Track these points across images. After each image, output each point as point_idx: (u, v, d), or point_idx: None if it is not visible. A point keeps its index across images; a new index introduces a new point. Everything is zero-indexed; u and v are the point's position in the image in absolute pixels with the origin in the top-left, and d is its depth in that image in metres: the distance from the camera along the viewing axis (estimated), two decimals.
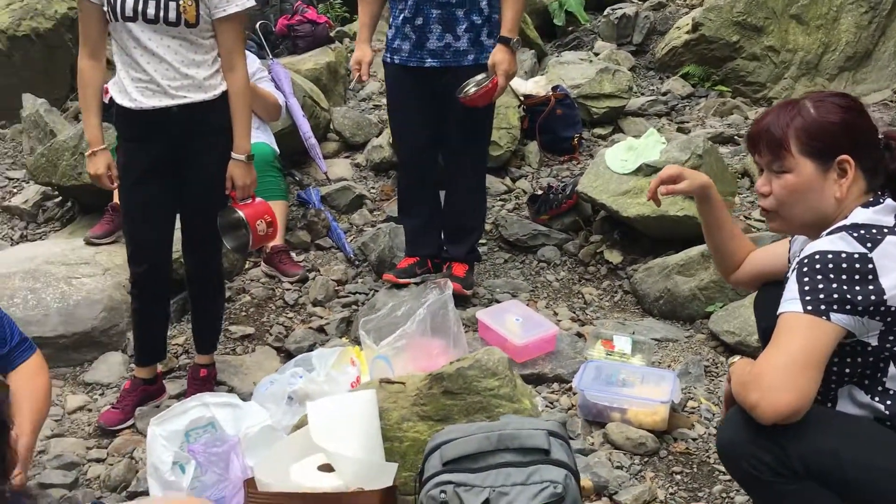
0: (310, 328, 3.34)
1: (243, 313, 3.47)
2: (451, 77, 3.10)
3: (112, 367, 3.18)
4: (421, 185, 3.41)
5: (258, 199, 2.76)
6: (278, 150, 4.07)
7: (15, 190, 4.75)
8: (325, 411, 2.04)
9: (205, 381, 2.90)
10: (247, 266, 3.81)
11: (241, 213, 2.65)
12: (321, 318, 3.43)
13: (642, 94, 5.43)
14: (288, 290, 3.62)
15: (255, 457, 2.15)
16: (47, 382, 2.14)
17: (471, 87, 3.09)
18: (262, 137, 4.01)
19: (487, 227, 3.98)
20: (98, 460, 2.63)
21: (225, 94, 2.62)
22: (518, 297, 3.47)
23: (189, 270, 2.86)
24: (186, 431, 2.28)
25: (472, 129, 3.27)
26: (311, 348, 3.12)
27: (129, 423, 2.80)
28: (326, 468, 1.98)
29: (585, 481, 2.29)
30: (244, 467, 2.11)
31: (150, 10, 2.46)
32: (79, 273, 3.43)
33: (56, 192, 4.37)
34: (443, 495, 1.80)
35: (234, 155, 2.64)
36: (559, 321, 3.27)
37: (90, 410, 2.94)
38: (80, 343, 3.24)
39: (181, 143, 2.59)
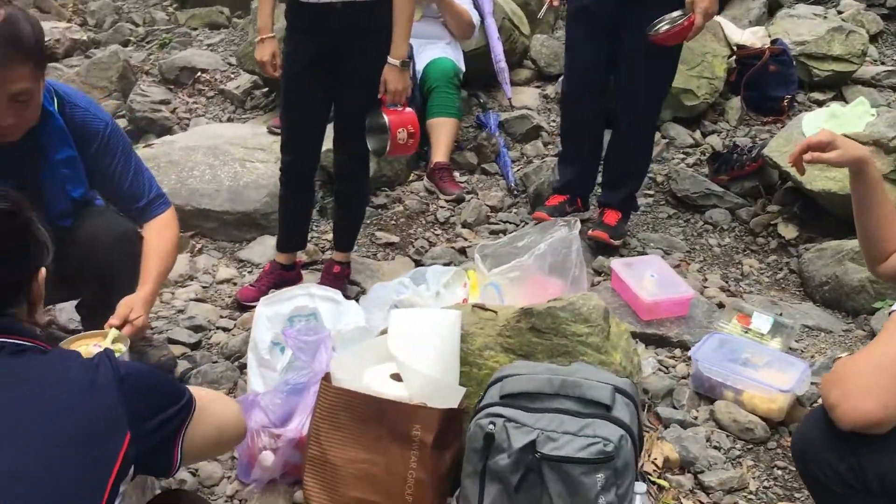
0: (451, 247, 3.35)
1: (392, 222, 3.54)
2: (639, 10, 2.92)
3: (266, 250, 3.36)
4: (582, 122, 3.27)
5: (408, 109, 2.76)
6: (463, 69, 4.05)
7: (232, 76, 5.10)
8: (406, 322, 2.05)
9: (337, 277, 3.00)
10: (410, 178, 3.88)
11: (385, 119, 2.67)
12: (465, 240, 3.43)
13: (883, 62, 4.84)
14: (442, 207, 3.64)
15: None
16: (175, 237, 2.28)
17: (664, 25, 2.89)
18: (448, 53, 4.00)
19: (659, 178, 3.77)
20: (224, 329, 2.82)
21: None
22: (671, 255, 3.27)
23: (336, 167, 2.94)
24: (290, 316, 2.38)
25: (653, 70, 3.07)
26: (446, 265, 3.13)
27: None
28: (398, 377, 2.00)
29: (671, 452, 2.16)
30: (329, 361, 2.17)
31: None
32: (253, 158, 3.64)
33: (262, 82, 4.65)
34: (491, 426, 1.76)
35: (389, 59, 2.64)
36: (706, 288, 3.06)
37: (234, 284, 3.15)
38: (242, 222, 3.47)
39: (341, 39, 2.63)
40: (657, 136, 3.78)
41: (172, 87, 4.90)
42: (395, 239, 3.44)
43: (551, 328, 2.04)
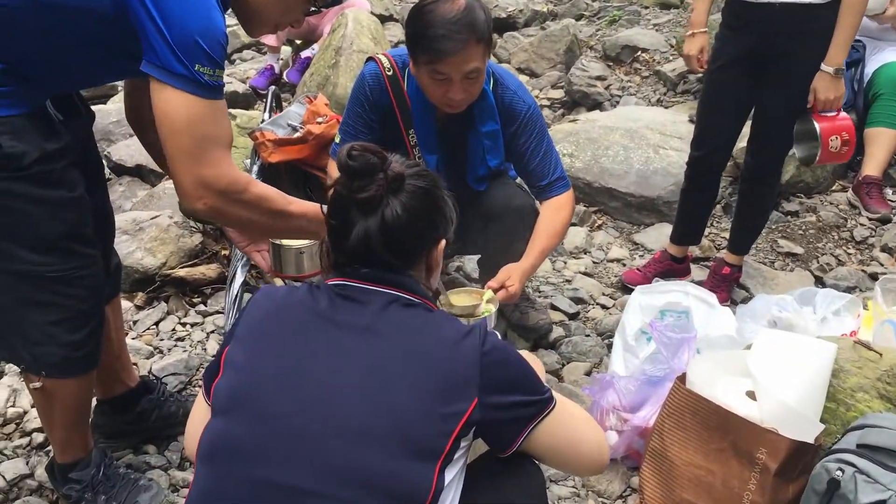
0: (861, 270, 3.08)
1: (800, 231, 3.34)
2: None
3: (661, 237, 3.41)
4: None
5: (842, 114, 2.58)
6: None
7: (671, 58, 5.12)
8: (775, 343, 1.97)
9: (724, 278, 2.95)
10: (833, 188, 3.60)
11: (816, 125, 2.53)
12: (882, 265, 3.11)
13: None
14: (862, 224, 3.34)
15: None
16: (566, 218, 2.44)
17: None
18: None
19: None
20: (603, 306, 2.95)
21: (835, 3, 2.45)
22: None
23: (746, 168, 2.86)
24: (662, 309, 2.42)
25: None
26: (847, 292, 2.90)
27: None
28: (752, 395, 1.95)
29: None
30: (688, 362, 2.18)
31: None
32: (668, 145, 3.68)
33: None
34: (839, 472, 1.65)
35: (823, 66, 2.49)
36: None
37: (623, 265, 3.26)
38: (644, 206, 3.54)
39: (775, 40, 2.54)
40: None
41: (611, 63, 5.09)
42: (798, 250, 3.24)
43: None
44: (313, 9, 1.75)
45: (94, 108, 1.91)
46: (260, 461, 1.20)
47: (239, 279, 2.50)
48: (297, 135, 2.89)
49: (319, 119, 2.91)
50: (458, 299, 2.13)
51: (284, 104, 3.32)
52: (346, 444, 1.19)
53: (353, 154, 1.35)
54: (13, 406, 2.36)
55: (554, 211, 2.42)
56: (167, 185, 3.40)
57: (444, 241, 1.48)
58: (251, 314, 1.35)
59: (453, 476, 1.26)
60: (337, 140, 2.48)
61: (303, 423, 1.21)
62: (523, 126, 2.39)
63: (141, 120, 1.88)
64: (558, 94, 4.85)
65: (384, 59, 2.35)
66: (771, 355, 1.95)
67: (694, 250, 3.15)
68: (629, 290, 3.00)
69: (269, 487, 1.19)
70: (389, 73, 2.33)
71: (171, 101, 1.46)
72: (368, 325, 1.29)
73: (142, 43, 1.45)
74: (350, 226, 1.35)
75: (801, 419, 1.86)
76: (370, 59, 2.40)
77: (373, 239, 1.33)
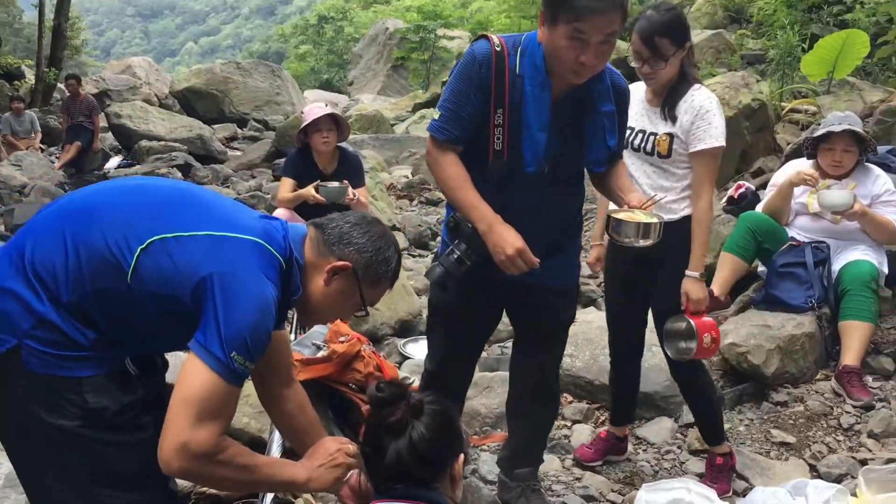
0: (852, 457, 3.27)
1: (790, 421, 3.56)
2: None
3: (661, 430, 3.63)
4: None
5: (708, 318, 2.92)
6: (886, 271, 3.97)
7: None
8: None
9: (720, 468, 3.15)
10: (818, 377, 3.86)
11: (692, 323, 2.85)
12: (870, 451, 3.31)
13: None
14: (847, 412, 3.57)
15: None
16: None
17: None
18: (869, 255, 3.97)
19: None
20: (612, 503, 3.13)
21: (687, 218, 2.86)
22: None
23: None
24: None
25: None
26: (839, 479, 3.09)
27: (599, 462, 3.38)
28: None
29: None
30: None
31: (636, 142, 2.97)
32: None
33: None
34: None
35: (688, 272, 2.87)
36: None
37: (629, 461, 3.45)
38: (642, 401, 3.73)
39: (647, 256, 2.80)
40: None
41: None
42: (791, 439, 3.45)
43: None
44: (361, 312, 2.03)
45: None
46: None
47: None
48: (321, 353, 3.18)
49: (342, 338, 3.23)
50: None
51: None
52: None
53: (381, 387, 1.66)
54: None
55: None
56: None
57: (462, 456, 1.74)
58: None
59: None
60: (436, 116, 2.42)
61: None
62: (626, 105, 2.57)
63: (269, 398, 2.16)
64: None
65: (495, 38, 2.39)
66: None
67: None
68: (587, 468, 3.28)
69: None
70: (498, 50, 2.35)
71: (197, 374, 1.66)
72: None
73: (201, 319, 1.70)
74: (383, 449, 1.63)
75: None
76: (482, 36, 2.43)
77: (404, 457, 1.61)
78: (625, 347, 3.32)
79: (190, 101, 16.62)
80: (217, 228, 1.77)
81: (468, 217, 2.37)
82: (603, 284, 3.33)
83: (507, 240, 2.30)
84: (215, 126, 14.98)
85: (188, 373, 1.68)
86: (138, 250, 1.71)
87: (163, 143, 12.12)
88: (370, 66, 25.50)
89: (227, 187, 9.72)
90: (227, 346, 1.65)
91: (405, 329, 4.84)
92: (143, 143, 12.17)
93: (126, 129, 12.73)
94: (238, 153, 13.31)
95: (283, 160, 11.08)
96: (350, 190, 4.72)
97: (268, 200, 8.13)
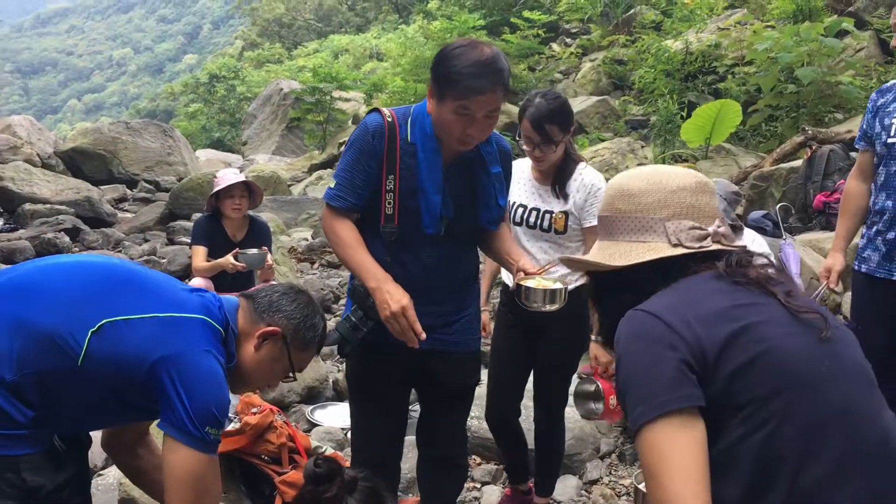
0: None
1: None
2: None
3: (566, 489, 3.75)
4: None
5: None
6: None
7: None
8: None
9: None
10: None
11: (600, 386, 3.02)
12: None
13: None
14: None
15: None
16: None
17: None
18: None
19: None
20: None
21: (580, 288, 3.00)
22: None
23: (537, 418, 3.43)
24: None
25: None
26: None
27: None
28: None
29: None
30: None
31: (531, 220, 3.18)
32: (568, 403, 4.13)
33: None
34: None
35: (594, 336, 3.09)
36: None
37: None
38: None
39: (537, 322, 3.04)
40: None
41: None
42: None
43: None
44: (290, 377, 2.14)
45: None
46: None
47: None
48: (232, 426, 3.16)
49: (254, 409, 3.22)
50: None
51: None
52: None
53: (319, 463, 1.75)
54: None
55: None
56: None
57: None
58: None
59: None
60: (332, 185, 2.53)
61: None
62: (510, 167, 2.75)
63: (119, 445, 2.18)
64: None
65: (385, 111, 2.55)
66: None
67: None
68: None
69: None
70: (390, 121, 2.51)
71: (185, 460, 1.78)
72: None
73: (160, 404, 1.79)
74: None
75: None
76: (374, 110, 2.58)
77: None
78: (507, 405, 3.41)
79: (76, 162, 16.08)
80: (163, 310, 1.85)
81: (359, 276, 2.44)
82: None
83: (393, 296, 2.34)
84: (104, 187, 14.55)
85: (175, 459, 1.78)
86: (89, 333, 1.76)
87: (48, 206, 11.65)
88: (265, 126, 25.43)
89: (119, 252, 9.46)
90: (199, 424, 1.76)
91: (312, 395, 4.83)
92: (27, 206, 11.66)
93: (8, 192, 12.19)
94: (129, 215, 12.94)
95: (177, 223, 11.02)
96: (269, 256, 4.78)
97: (163, 265, 7.97)
